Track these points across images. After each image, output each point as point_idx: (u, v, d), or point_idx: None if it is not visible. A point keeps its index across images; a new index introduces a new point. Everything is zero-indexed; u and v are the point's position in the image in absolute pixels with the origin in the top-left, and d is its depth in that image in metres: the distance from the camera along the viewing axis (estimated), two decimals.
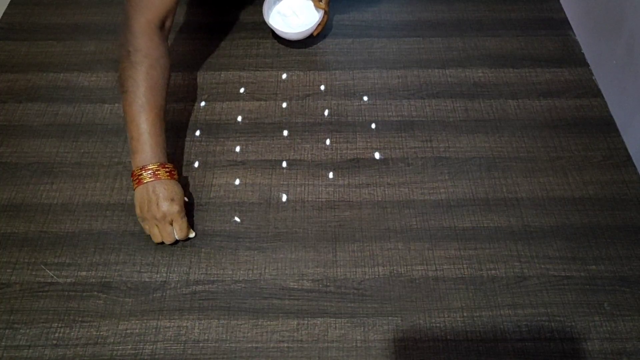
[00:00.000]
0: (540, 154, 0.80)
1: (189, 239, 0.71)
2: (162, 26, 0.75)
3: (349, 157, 0.80)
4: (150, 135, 0.68)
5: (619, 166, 0.78)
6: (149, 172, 0.67)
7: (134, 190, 0.69)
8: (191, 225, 0.72)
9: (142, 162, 0.68)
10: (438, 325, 0.65)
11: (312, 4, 0.93)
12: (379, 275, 0.69)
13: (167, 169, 0.68)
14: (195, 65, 0.92)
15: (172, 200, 0.67)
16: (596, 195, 0.76)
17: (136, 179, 0.68)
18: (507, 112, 0.85)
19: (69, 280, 0.68)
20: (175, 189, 0.68)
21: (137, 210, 0.68)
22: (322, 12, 0.90)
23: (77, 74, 0.91)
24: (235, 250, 0.71)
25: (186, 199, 0.71)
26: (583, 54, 0.93)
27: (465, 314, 0.66)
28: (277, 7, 0.94)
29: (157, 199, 0.66)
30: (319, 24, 0.91)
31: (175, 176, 0.70)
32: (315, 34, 0.92)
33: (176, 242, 0.71)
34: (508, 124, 0.83)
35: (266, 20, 0.90)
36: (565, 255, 0.70)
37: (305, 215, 0.74)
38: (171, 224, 0.68)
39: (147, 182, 0.67)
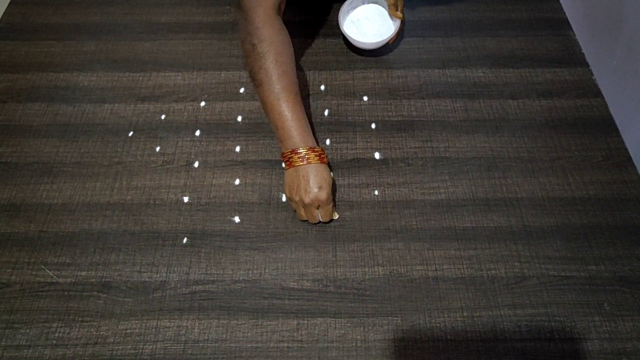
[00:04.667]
0: (540, 154, 0.80)
1: (332, 220, 0.73)
2: (278, 11, 0.74)
3: (349, 157, 0.80)
4: (294, 120, 0.69)
5: (619, 166, 0.78)
6: (299, 155, 0.68)
7: (285, 170, 0.71)
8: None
9: (291, 146, 0.69)
10: (438, 325, 0.65)
11: (385, 11, 0.91)
12: (379, 275, 0.69)
13: (316, 153, 0.69)
14: (195, 65, 0.92)
15: (321, 187, 0.68)
16: (596, 195, 0.76)
17: (287, 161, 0.70)
18: (507, 112, 0.85)
19: (69, 280, 0.68)
20: (324, 174, 0.69)
21: (286, 191, 0.71)
22: (398, 21, 0.88)
23: (77, 74, 0.91)
24: (235, 250, 0.71)
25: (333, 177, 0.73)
26: (583, 54, 0.93)
27: (465, 314, 0.66)
28: (351, 16, 0.92)
29: (307, 185, 0.68)
30: (397, 32, 0.89)
31: (325, 159, 0.70)
32: (391, 42, 0.90)
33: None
34: (508, 124, 0.83)
35: (342, 29, 0.89)
36: (565, 255, 0.70)
37: None
38: (317, 208, 0.70)
39: (297, 166, 0.68)
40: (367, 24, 0.91)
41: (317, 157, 0.69)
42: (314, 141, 0.71)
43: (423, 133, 0.83)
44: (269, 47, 0.70)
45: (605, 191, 0.76)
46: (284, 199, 0.76)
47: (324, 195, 0.68)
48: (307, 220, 0.72)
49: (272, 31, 0.71)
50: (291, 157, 0.69)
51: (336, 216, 0.73)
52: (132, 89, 0.88)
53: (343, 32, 0.89)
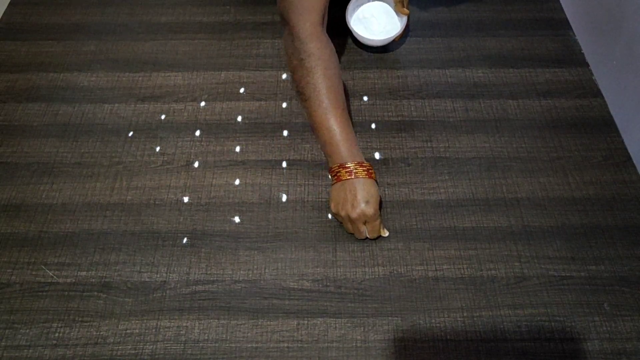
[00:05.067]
0: (540, 154, 0.80)
1: (379, 237, 0.71)
2: (323, 22, 0.74)
3: None
4: (342, 135, 0.68)
5: (619, 166, 0.78)
6: (347, 170, 0.67)
7: (331, 185, 0.70)
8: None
9: (339, 161, 0.68)
10: (438, 325, 0.65)
11: (390, 8, 0.93)
12: (379, 275, 0.69)
13: (364, 168, 0.68)
14: (195, 65, 0.92)
15: (368, 202, 0.66)
16: (596, 195, 0.76)
17: (334, 175, 0.69)
18: (507, 112, 0.85)
19: (69, 280, 0.68)
20: (372, 190, 0.67)
21: (332, 205, 0.69)
22: (404, 17, 0.89)
23: (77, 74, 0.91)
24: (235, 250, 0.71)
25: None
26: (583, 54, 0.93)
27: (465, 314, 0.66)
28: (357, 14, 0.93)
29: (353, 199, 0.67)
30: (403, 29, 0.90)
31: (373, 175, 0.69)
32: (397, 39, 0.91)
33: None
34: (508, 124, 0.83)
35: (350, 26, 0.90)
36: (565, 255, 0.70)
37: (305, 215, 0.74)
38: (364, 224, 0.68)
39: (344, 180, 0.67)
40: (374, 22, 0.92)
41: (365, 172, 0.68)
42: (362, 156, 0.70)
43: (423, 133, 0.83)
44: (317, 62, 0.69)
45: (605, 191, 0.76)
46: (284, 199, 0.76)
47: (371, 210, 0.66)
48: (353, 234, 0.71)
49: (319, 45, 0.71)
50: (339, 172, 0.68)
51: (385, 233, 0.71)
52: (132, 89, 0.88)
53: (351, 29, 0.90)
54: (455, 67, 0.91)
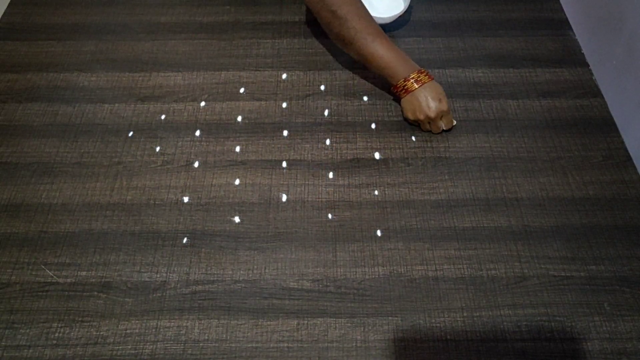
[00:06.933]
0: (540, 154, 0.80)
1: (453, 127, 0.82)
2: None
3: (349, 157, 0.80)
4: (393, 55, 0.78)
5: (619, 166, 0.78)
6: (412, 80, 0.77)
7: (400, 99, 0.81)
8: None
9: (402, 75, 0.78)
10: (438, 325, 0.65)
11: None
12: (379, 275, 0.69)
13: (424, 73, 0.78)
14: (195, 65, 0.92)
15: (440, 100, 0.77)
16: (596, 195, 0.76)
17: (402, 90, 0.79)
18: (507, 112, 0.85)
19: (69, 280, 0.68)
20: (438, 89, 0.78)
21: (409, 115, 0.80)
22: None
23: (77, 74, 0.91)
24: (235, 250, 0.71)
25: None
26: (583, 54, 0.93)
27: (465, 314, 0.66)
28: None
29: (427, 103, 0.77)
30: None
31: (432, 76, 0.79)
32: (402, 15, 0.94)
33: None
34: (508, 124, 0.83)
35: None
36: (565, 255, 0.70)
37: (305, 215, 0.74)
38: (440, 119, 0.79)
39: (413, 90, 0.78)
40: (377, 0, 0.94)
41: (427, 76, 0.78)
42: (416, 64, 0.79)
43: (423, 133, 0.83)
44: (349, 8, 0.77)
45: (605, 191, 0.76)
46: (284, 199, 0.76)
47: (445, 106, 0.78)
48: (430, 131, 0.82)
49: None
50: (405, 85, 0.78)
51: (454, 122, 0.81)
52: (132, 89, 0.88)
53: None
54: (455, 67, 0.91)
